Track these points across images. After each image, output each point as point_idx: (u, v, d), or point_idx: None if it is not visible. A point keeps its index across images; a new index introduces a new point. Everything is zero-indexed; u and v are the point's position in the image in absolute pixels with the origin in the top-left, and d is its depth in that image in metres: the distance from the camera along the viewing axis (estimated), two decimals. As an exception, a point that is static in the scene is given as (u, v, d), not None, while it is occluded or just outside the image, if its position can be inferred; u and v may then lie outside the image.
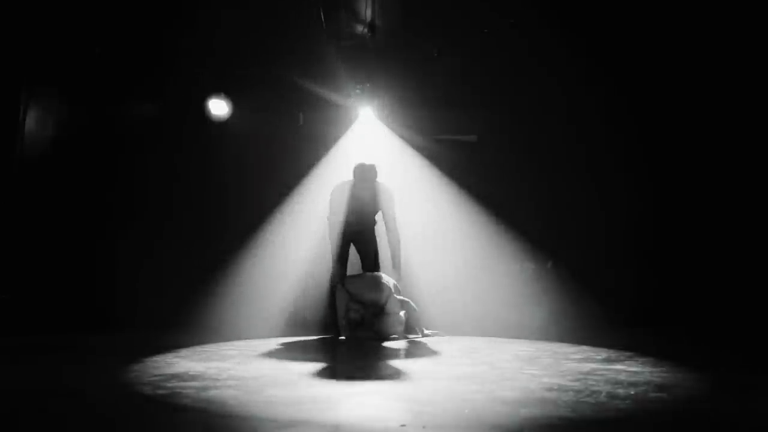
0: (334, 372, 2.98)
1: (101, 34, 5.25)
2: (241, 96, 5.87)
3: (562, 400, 2.11)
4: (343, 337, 4.53)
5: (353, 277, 4.70)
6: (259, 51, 5.54)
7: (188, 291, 5.06)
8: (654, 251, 5.60)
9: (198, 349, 3.66)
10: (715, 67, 5.38)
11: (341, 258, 4.72)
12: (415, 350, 3.88)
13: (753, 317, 5.02)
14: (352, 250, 4.86)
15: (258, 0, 5.01)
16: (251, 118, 5.94)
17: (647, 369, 2.86)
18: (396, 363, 3.29)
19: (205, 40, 5.32)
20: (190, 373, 2.71)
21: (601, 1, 5.06)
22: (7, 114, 5.00)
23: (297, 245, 5.47)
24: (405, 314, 4.61)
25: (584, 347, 3.79)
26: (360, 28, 5.35)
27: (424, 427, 1.73)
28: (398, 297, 4.60)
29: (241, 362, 3.12)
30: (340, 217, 4.67)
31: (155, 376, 2.62)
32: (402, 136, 5.95)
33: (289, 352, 3.70)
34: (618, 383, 2.46)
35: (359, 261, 4.93)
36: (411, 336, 4.63)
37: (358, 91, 5.68)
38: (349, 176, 4.76)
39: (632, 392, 2.27)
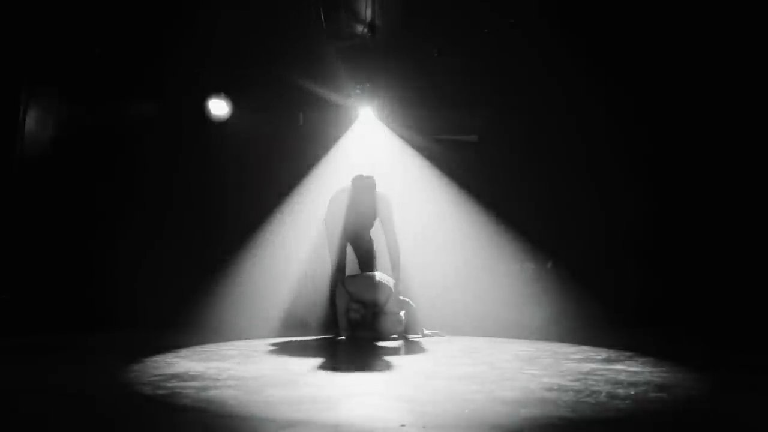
0: (334, 372, 2.98)
1: (101, 34, 5.25)
2: (241, 96, 5.87)
3: (562, 400, 2.11)
4: (343, 337, 4.53)
5: (353, 277, 4.71)
6: (259, 51, 5.53)
7: (188, 291, 5.06)
8: (654, 251, 5.60)
9: (198, 349, 3.66)
10: (717, 67, 5.38)
11: (340, 259, 4.73)
12: (415, 350, 3.88)
13: (753, 317, 5.02)
14: (350, 251, 4.87)
15: (258, 0, 5.01)
16: (251, 118, 5.94)
17: (647, 369, 2.86)
18: (396, 363, 3.29)
19: (205, 40, 5.32)
20: (190, 373, 2.71)
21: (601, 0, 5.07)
22: (7, 114, 5.00)
23: (297, 245, 5.47)
24: (405, 314, 4.61)
25: (584, 347, 3.79)
26: (360, 28, 5.35)
27: (424, 427, 1.73)
28: (398, 297, 4.61)
29: (241, 362, 3.12)
30: (338, 228, 4.69)
31: (155, 376, 2.62)
32: (402, 136, 5.95)
33: (289, 352, 3.69)
34: (618, 383, 2.46)
35: (357, 261, 4.94)
36: (411, 336, 4.63)
37: (358, 91, 5.68)
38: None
39: (632, 392, 2.27)
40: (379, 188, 4.74)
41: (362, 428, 1.75)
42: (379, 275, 4.64)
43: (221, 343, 3.97)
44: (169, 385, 2.40)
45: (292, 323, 5.12)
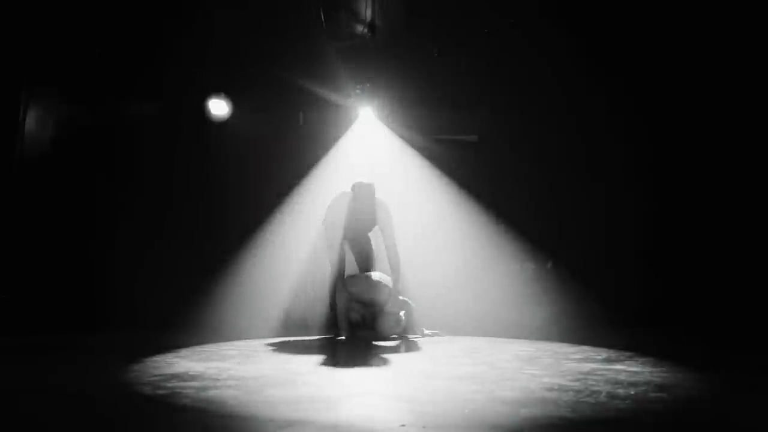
0: (333, 372, 2.98)
1: (101, 34, 5.25)
2: (241, 96, 5.86)
3: (562, 400, 2.11)
4: (343, 337, 4.53)
5: (353, 277, 4.71)
6: (259, 51, 5.53)
7: (188, 291, 5.06)
8: (654, 251, 5.59)
9: (198, 349, 3.66)
10: (719, 67, 5.37)
11: (340, 262, 4.74)
12: (415, 350, 3.88)
13: (753, 317, 5.02)
14: (349, 251, 4.88)
15: (258, 0, 5.01)
16: (251, 118, 5.94)
17: (647, 369, 2.86)
18: (396, 363, 3.29)
19: (205, 40, 5.31)
20: (190, 373, 2.71)
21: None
22: (7, 114, 5.00)
23: (296, 245, 5.47)
24: (405, 314, 4.61)
25: (584, 347, 3.79)
26: (360, 28, 5.35)
27: (424, 427, 1.73)
28: (398, 297, 4.61)
29: (241, 362, 3.12)
30: (338, 233, 4.70)
31: (155, 376, 2.62)
32: (402, 136, 5.94)
33: (289, 352, 3.69)
34: (618, 383, 2.46)
35: (356, 262, 4.94)
36: (411, 336, 4.63)
37: (358, 91, 5.68)
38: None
39: (632, 392, 2.27)
40: (379, 194, 4.75)
41: (362, 428, 1.75)
42: (378, 275, 4.64)
43: (221, 343, 3.98)
44: (169, 385, 2.40)
45: (291, 323, 5.12)
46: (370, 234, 4.91)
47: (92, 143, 5.47)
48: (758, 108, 5.35)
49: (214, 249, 5.47)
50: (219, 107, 5.80)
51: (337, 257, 4.68)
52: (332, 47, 5.42)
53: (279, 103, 5.93)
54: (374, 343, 4.24)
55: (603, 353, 3.48)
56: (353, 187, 4.73)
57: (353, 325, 4.50)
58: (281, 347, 3.89)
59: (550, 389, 2.32)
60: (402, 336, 4.56)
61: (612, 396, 2.19)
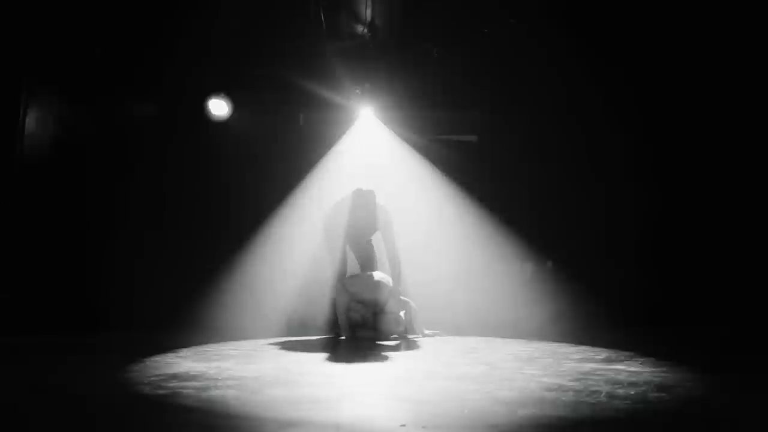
0: (334, 372, 2.98)
1: (101, 34, 5.25)
2: (241, 96, 5.87)
3: (561, 401, 2.11)
4: (343, 337, 4.53)
5: (353, 277, 4.71)
6: (259, 51, 5.53)
7: (188, 291, 5.06)
8: (654, 251, 5.59)
9: (198, 349, 3.67)
10: (720, 67, 5.37)
11: (341, 265, 4.75)
12: (415, 350, 3.89)
13: (753, 317, 5.02)
14: (350, 251, 4.89)
15: (258, 0, 5.01)
16: (251, 118, 5.94)
17: (647, 369, 2.86)
18: (396, 363, 3.29)
19: (206, 41, 5.31)
20: (190, 373, 2.71)
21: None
22: (7, 114, 5.00)
23: (296, 245, 5.47)
24: (405, 314, 4.62)
25: (584, 347, 3.79)
26: (360, 28, 5.35)
27: (424, 427, 1.74)
28: (398, 297, 4.61)
29: (242, 362, 3.12)
30: (339, 238, 4.71)
31: (155, 376, 2.62)
32: (402, 136, 5.94)
33: (290, 352, 3.69)
34: (618, 383, 2.46)
35: (358, 262, 4.95)
36: (411, 336, 4.63)
37: (358, 91, 5.68)
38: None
39: (632, 392, 2.27)
40: (379, 200, 4.76)
41: (362, 428, 1.75)
42: (379, 275, 4.64)
43: (221, 343, 3.98)
44: (170, 385, 2.40)
45: (292, 323, 5.13)
46: (371, 240, 4.92)
47: (92, 143, 5.48)
48: (760, 109, 5.35)
49: (214, 249, 5.47)
50: (219, 107, 5.81)
51: (338, 259, 4.69)
52: (332, 47, 5.42)
53: (279, 103, 5.93)
54: (375, 343, 4.24)
55: (603, 353, 3.48)
56: (353, 195, 4.73)
57: (354, 325, 4.50)
58: (282, 347, 3.90)
59: (550, 389, 2.32)
60: (402, 336, 4.56)
61: (612, 396, 2.19)
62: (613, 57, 5.44)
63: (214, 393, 2.24)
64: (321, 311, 4.97)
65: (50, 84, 5.29)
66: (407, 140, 5.93)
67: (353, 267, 4.94)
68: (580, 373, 2.74)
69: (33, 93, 5.14)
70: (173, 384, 2.42)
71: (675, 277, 5.44)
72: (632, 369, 2.86)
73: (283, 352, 3.69)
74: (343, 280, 4.63)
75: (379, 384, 2.62)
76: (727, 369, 3.05)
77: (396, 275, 4.69)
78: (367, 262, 4.88)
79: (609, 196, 5.61)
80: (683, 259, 5.51)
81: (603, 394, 2.23)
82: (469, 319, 5.12)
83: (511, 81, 5.71)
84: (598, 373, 2.74)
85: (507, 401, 2.10)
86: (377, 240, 4.90)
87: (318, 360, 3.37)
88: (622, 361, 3.15)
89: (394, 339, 4.45)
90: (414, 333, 4.67)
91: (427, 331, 4.74)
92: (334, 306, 4.61)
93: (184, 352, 3.50)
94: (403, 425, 1.75)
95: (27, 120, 5.08)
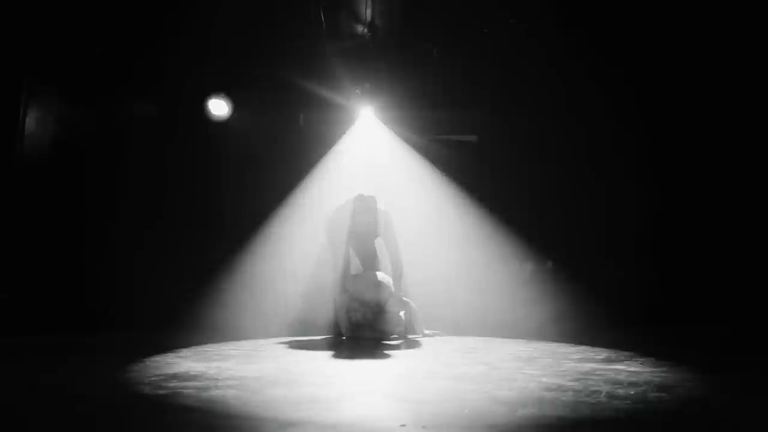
0: (334, 372, 2.98)
1: (101, 34, 5.25)
2: (241, 96, 5.87)
3: (561, 400, 2.11)
4: (343, 337, 4.53)
5: (354, 277, 4.71)
6: (259, 51, 5.53)
7: (188, 291, 5.06)
8: (654, 251, 5.59)
9: (198, 349, 3.67)
10: (720, 65, 5.37)
11: (344, 267, 4.76)
12: (415, 350, 3.89)
13: (753, 317, 5.02)
14: (352, 251, 4.90)
15: (258, 0, 5.01)
16: (251, 118, 5.94)
17: (647, 369, 2.87)
18: (396, 363, 3.29)
19: (205, 40, 5.31)
20: (191, 373, 2.71)
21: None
22: (7, 114, 5.00)
23: (297, 245, 5.47)
24: (405, 314, 4.62)
25: (584, 347, 3.79)
26: (360, 28, 5.35)
27: (424, 427, 1.74)
28: (399, 297, 4.61)
29: (242, 362, 3.13)
30: (342, 242, 4.72)
31: (155, 376, 2.62)
32: (402, 136, 5.94)
33: (290, 352, 3.70)
34: (618, 383, 2.46)
35: (360, 262, 4.95)
36: (411, 336, 4.63)
37: (358, 91, 5.68)
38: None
39: (632, 392, 2.27)
40: (380, 204, 4.76)
41: (362, 428, 1.75)
42: (379, 275, 4.64)
43: (221, 343, 3.98)
44: (170, 385, 2.40)
45: (292, 323, 5.12)
46: (373, 242, 4.92)
47: (92, 143, 5.48)
48: (760, 109, 5.34)
49: (214, 249, 5.47)
50: (219, 107, 5.81)
51: (341, 261, 4.70)
52: (332, 47, 5.42)
53: (279, 103, 5.93)
54: (375, 343, 4.24)
55: (603, 353, 3.48)
56: (355, 200, 4.74)
57: (354, 325, 4.50)
58: (282, 347, 3.90)
59: (549, 389, 2.32)
60: (402, 336, 4.57)
61: (612, 396, 2.19)
62: (613, 57, 5.44)
63: (215, 393, 2.24)
64: (322, 311, 4.98)
65: (50, 84, 5.29)
66: (407, 140, 5.93)
67: (356, 269, 4.95)
68: (579, 373, 2.74)
69: (33, 93, 5.14)
70: (173, 384, 2.42)
71: (675, 276, 5.43)
72: (632, 369, 2.87)
73: (284, 352, 3.69)
74: (343, 280, 4.63)
75: (379, 384, 2.63)
76: (727, 369, 3.05)
77: (397, 276, 4.69)
78: (370, 264, 4.88)
79: (609, 196, 5.61)
80: (683, 258, 5.51)
81: (603, 394, 2.23)
82: (469, 318, 5.12)
83: (511, 81, 5.71)
84: (598, 373, 2.74)
85: (506, 401, 2.10)
86: (379, 243, 4.90)
87: (318, 360, 3.37)
88: (622, 361, 3.15)
89: (395, 339, 4.45)
90: (414, 333, 4.67)
91: (427, 331, 4.74)
92: (335, 306, 4.61)
93: (185, 352, 3.50)
94: (403, 425, 1.75)
95: (27, 120, 5.08)
